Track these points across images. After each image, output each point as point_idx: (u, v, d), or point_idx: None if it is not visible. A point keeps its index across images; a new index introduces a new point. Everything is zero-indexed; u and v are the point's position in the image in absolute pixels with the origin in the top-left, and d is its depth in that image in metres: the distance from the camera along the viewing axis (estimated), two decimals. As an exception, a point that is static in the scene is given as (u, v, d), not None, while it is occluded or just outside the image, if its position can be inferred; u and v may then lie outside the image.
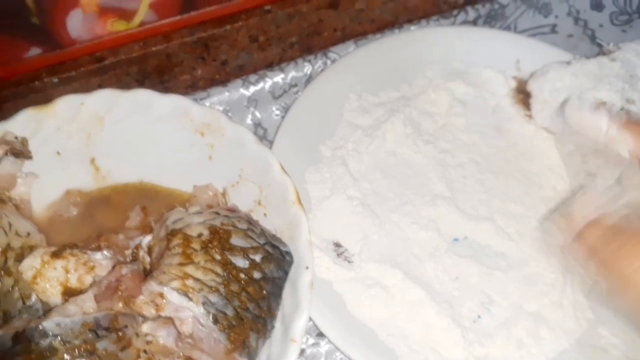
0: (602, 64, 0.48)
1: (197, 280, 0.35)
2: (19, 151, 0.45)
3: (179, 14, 0.49)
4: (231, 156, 0.46)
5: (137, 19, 0.48)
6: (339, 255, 0.46)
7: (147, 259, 0.43)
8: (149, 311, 0.35)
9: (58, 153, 0.46)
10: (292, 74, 0.55)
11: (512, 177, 0.49)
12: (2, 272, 0.40)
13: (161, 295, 0.35)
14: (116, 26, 0.48)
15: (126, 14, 0.47)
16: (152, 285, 0.36)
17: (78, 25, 0.46)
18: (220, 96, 0.53)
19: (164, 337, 0.36)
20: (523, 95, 0.52)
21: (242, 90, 0.54)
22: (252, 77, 0.54)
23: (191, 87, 0.54)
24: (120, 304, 0.36)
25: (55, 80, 0.48)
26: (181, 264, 0.36)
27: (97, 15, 0.46)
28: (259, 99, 0.54)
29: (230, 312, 0.35)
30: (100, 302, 0.37)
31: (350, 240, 0.46)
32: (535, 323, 0.43)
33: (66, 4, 0.44)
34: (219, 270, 0.36)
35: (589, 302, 0.44)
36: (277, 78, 0.54)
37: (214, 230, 0.38)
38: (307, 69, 0.55)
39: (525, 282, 0.44)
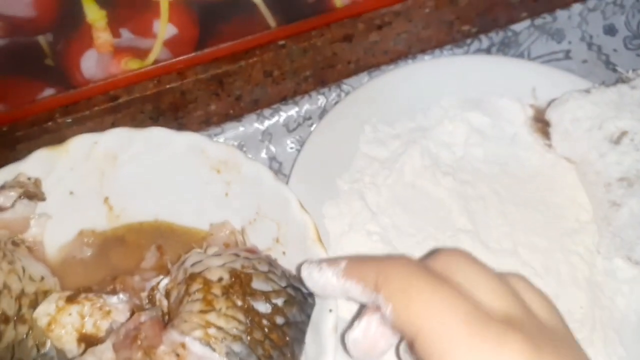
0: (623, 92, 0.47)
1: (219, 328, 0.34)
2: (33, 193, 0.44)
3: (194, 51, 0.48)
4: (248, 193, 0.45)
5: (152, 57, 0.48)
6: (360, 293, 0.45)
7: (165, 303, 0.42)
8: (171, 362, 0.34)
9: (71, 193, 0.46)
10: (306, 107, 0.54)
11: (534, 209, 0.48)
12: (16, 319, 0.39)
13: (183, 345, 0.34)
14: (130, 65, 0.47)
15: (140, 53, 0.47)
16: (173, 335, 0.34)
17: (92, 65, 0.46)
18: (235, 131, 0.53)
19: (184, 388, 0.34)
20: (541, 124, 0.51)
21: (256, 125, 0.53)
22: (267, 112, 0.53)
23: (205, 123, 0.53)
24: (140, 354, 0.35)
25: (69, 120, 0.47)
26: (202, 311, 0.35)
27: (111, 55, 0.46)
28: (274, 133, 0.54)
29: (254, 361, 0.34)
30: (119, 351, 0.36)
31: (371, 277, 0.45)
32: (566, 362, 0.41)
33: (81, 45, 0.44)
34: (241, 317, 0.35)
35: (620, 338, 0.43)
36: (291, 112, 0.54)
37: (234, 274, 0.37)
38: (321, 101, 0.55)
39: (553, 319, 0.43)
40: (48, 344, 0.40)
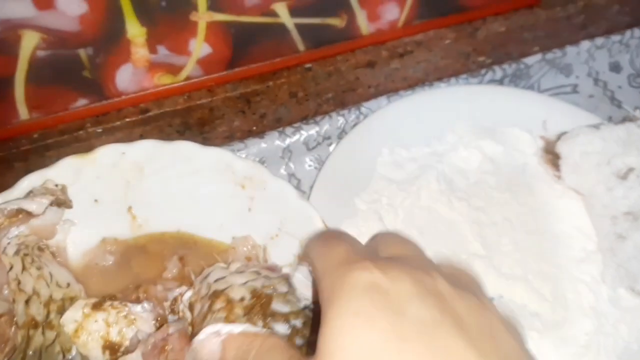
0: (630, 130, 0.50)
1: (245, 346, 0.35)
2: (62, 201, 0.45)
3: (225, 70, 0.50)
4: (271, 209, 0.46)
5: (184, 74, 0.49)
6: (376, 311, 0.46)
7: (188, 314, 0.43)
8: (199, 373, 0.35)
9: (96, 201, 0.47)
10: (326, 127, 0.56)
11: (543, 237, 0.50)
12: (44, 325, 0.40)
13: (212, 358, 0.35)
14: (162, 80, 0.49)
15: (174, 69, 0.49)
16: (204, 348, 0.36)
17: (126, 78, 0.47)
18: (257, 147, 0.54)
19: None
20: (551, 155, 0.54)
21: (277, 142, 0.55)
22: (289, 130, 0.55)
23: (228, 138, 0.55)
24: (168, 364, 0.36)
25: (99, 130, 0.49)
26: (227, 329, 0.37)
27: (146, 70, 0.47)
28: (294, 151, 0.56)
29: (278, 378, 0.35)
30: (149, 361, 0.37)
31: (387, 297, 0.46)
32: (571, 386, 0.43)
33: (119, 59, 0.45)
34: (263, 337, 0.36)
35: (622, 365, 0.45)
36: (312, 131, 0.55)
37: (255, 294, 0.39)
38: (341, 122, 0.56)
39: (560, 344, 0.45)
40: (74, 350, 0.41)
